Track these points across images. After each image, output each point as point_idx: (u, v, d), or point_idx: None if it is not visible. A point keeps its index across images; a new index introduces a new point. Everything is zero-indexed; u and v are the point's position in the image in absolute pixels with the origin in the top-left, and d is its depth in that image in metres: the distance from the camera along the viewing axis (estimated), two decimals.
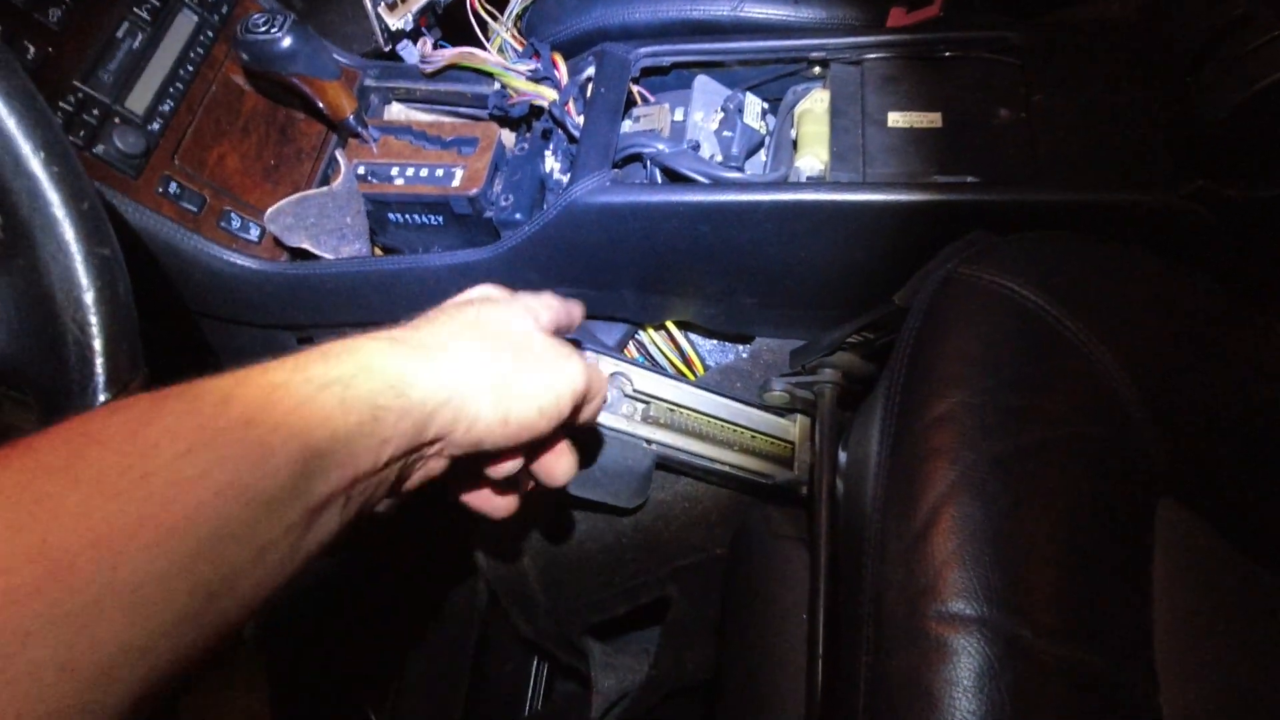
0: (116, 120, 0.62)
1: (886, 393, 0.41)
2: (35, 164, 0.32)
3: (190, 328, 0.76)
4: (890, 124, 0.64)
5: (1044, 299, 0.42)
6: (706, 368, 0.78)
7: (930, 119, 0.63)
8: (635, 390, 0.59)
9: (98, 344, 0.33)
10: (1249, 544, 0.48)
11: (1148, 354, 0.43)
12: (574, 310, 0.47)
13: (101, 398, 0.33)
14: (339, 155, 0.72)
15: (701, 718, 0.74)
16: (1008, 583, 0.34)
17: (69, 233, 0.32)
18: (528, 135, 0.79)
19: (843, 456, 0.56)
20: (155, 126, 0.65)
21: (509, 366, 0.36)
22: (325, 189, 0.67)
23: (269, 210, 0.65)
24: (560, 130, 0.75)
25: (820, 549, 0.51)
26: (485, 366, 0.35)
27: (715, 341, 0.80)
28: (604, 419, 0.58)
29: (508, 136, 0.81)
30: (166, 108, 0.66)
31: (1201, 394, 0.46)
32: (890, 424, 0.40)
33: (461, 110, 0.82)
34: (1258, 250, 0.54)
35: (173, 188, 0.66)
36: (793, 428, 0.65)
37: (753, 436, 0.64)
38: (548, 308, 0.44)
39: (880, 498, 0.38)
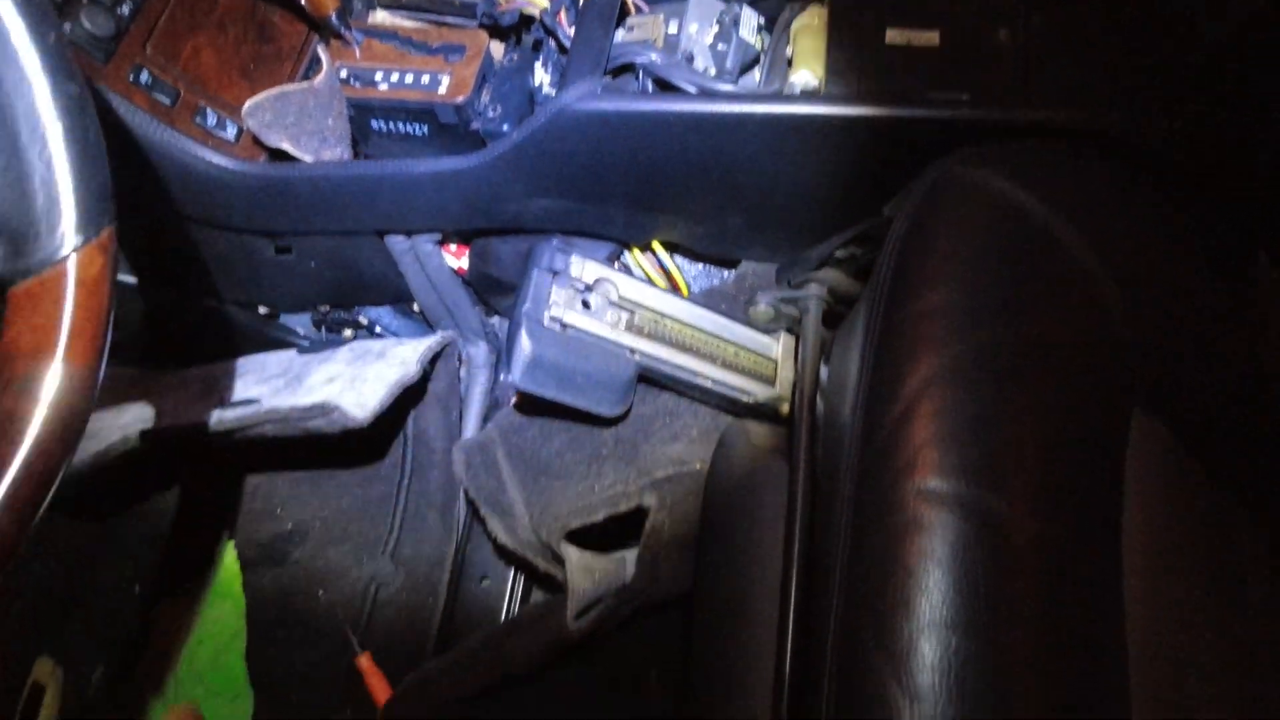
0: (84, 0, 0.60)
1: (874, 286, 0.41)
2: None
3: (163, 230, 0.74)
4: (888, 41, 0.62)
5: (1036, 201, 0.41)
6: (691, 292, 0.78)
7: (928, 37, 0.62)
8: (620, 298, 0.59)
9: (66, 184, 0.31)
10: (1216, 467, 0.49)
11: (1136, 268, 0.43)
12: None
13: (72, 241, 0.32)
14: (321, 51, 0.70)
15: (677, 633, 0.76)
16: (986, 462, 0.34)
17: (34, 64, 0.31)
18: (517, 46, 0.77)
19: (824, 372, 0.57)
20: (125, 10, 0.62)
21: None
22: (306, 84, 0.65)
23: (247, 103, 0.63)
24: (551, 40, 0.73)
25: (799, 457, 0.52)
26: None
27: (701, 266, 0.80)
28: (588, 325, 0.58)
29: (496, 48, 0.79)
30: None
31: (1184, 318, 0.47)
32: (877, 316, 0.40)
33: (448, 19, 0.79)
34: (1246, 181, 0.54)
35: (144, 77, 0.63)
36: (776, 346, 0.65)
37: (736, 352, 0.64)
38: None
39: (864, 386, 0.38)
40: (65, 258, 0.32)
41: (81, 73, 0.33)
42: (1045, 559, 0.34)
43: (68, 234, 0.32)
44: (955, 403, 0.35)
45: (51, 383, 0.31)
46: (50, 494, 0.32)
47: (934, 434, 0.35)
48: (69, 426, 0.32)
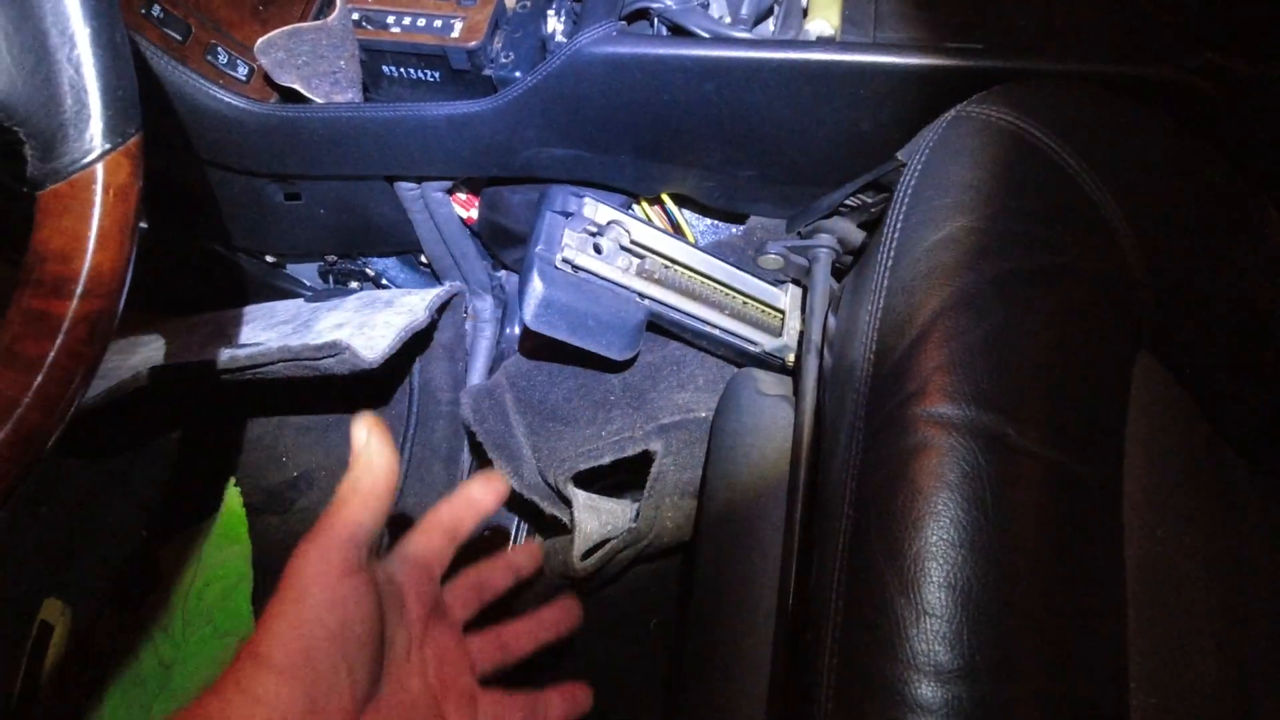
0: None
1: (889, 221, 0.41)
2: None
3: (172, 171, 0.74)
4: None
5: (1052, 138, 0.42)
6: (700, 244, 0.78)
7: None
8: (632, 242, 0.59)
9: (95, 87, 0.32)
10: (1217, 418, 0.50)
11: (1152, 210, 0.44)
12: (478, 499, 0.45)
13: (101, 146, 0.32)
14: None
15: (677, 582, 0.77)
16: (996, 388, 0.35)
17: None
18: None
19: (832, 323, 0.57)
20: None
21: None
22: (319, 23, 0.65)
23: (260, 41, 0.63)
24: None
25: (807, 400, 0.52)
26: None
27: (710, 222, 0.80)
28: (599, 268, 0.58)
29: None
30: None
31: (1197, 265, 0.47)
32: (890, 247, 0.40)
33: None
34: (1262, 129, 0.55)
35: (156, 10, 0.63)
36: (784, 296, 0.66)
37: (744, 302, 0.64)
38: (438, 559, 0.43)
39: (877, 313, 0.39)
40: (94, 162, 0.32)
41: None
42: (1051, 485, 0.35)
43: (96, 138, 0.32)
44: (967, 330, 0.36)
45: (80, 284, 0.32)
46: (81, 394, 0.32)
47: (946, 360, 0.35)
48: (97, 328, 0.32)
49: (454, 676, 0.42)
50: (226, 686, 0.33)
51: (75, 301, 0.31)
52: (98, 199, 0.32)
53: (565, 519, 0.65)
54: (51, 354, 0.31)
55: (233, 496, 0.87)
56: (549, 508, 0.65)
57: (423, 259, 0.89)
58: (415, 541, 0.44)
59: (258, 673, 0.34)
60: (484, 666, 0.45)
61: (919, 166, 0.42)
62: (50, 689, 0.78)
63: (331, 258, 0.90)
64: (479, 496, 0.46)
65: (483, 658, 0.45)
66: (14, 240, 0.68)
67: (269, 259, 0.89)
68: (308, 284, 0.93)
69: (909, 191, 0.41)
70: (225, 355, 0.69)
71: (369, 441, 0.40)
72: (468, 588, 0.47)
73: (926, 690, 0.32)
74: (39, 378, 0.30)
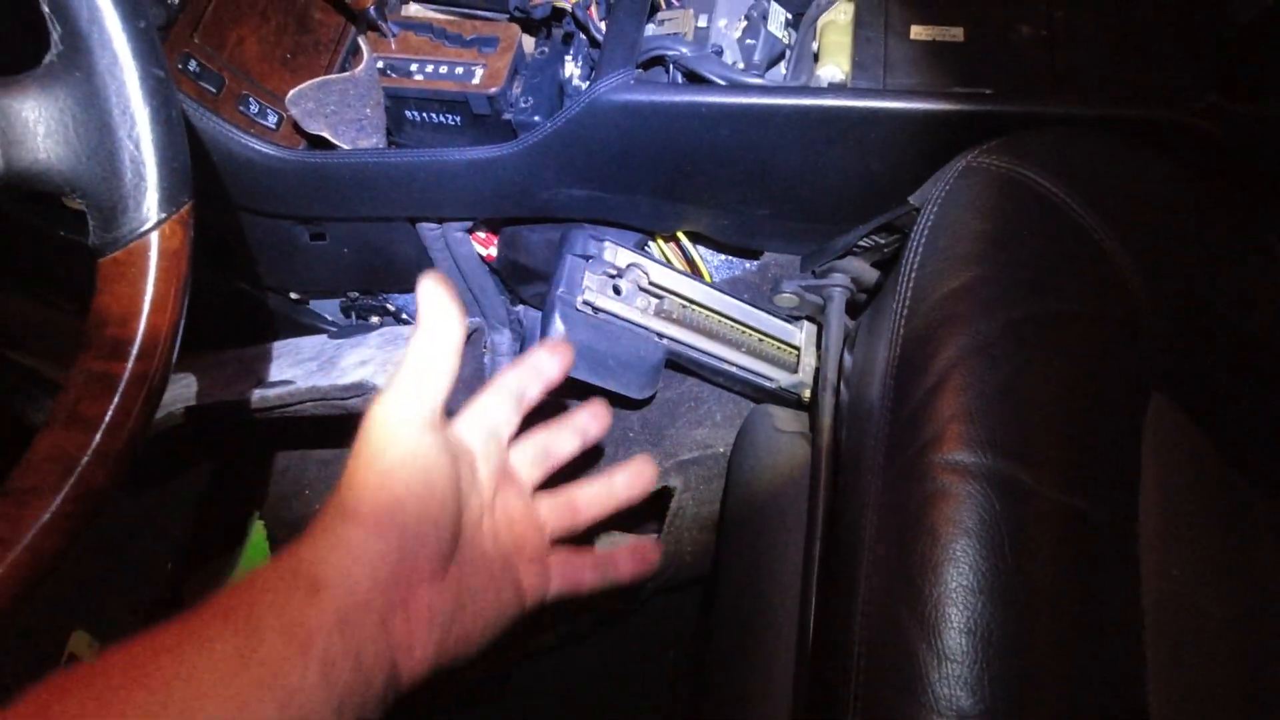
0: None
1: (903, 270, 0.43)
2: None
3: (206, 216, 0.76)
4: (913, 36, 0.64)
5: (1061, 188, 0.43)
6: (715, 281, 0.79)
7: (953, 33, 0.64)
8: (650, 284, 0.60)
9: (153, 161, 0.34)
10: (1231, 452, 0.51)
11: (1159, 253, 0.45)
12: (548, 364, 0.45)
13: (157, 216, 0.34)
14: (361, 41, 0.72)
15: (695, 615, 0.78)
16: (1011, 435, 0.36)
17: (126, 48, 0.33)
18: (548, 40, 0.79)
19: (848, 360, 0.58)
20: (175, 0, 0.64)
21: (445, 595, 0.35)
22: (348, 74, 0.67)
23: (291, 92, 0.65)
24: (582, 34, 0.75)
25: (824, 437, 0.54)
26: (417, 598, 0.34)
27: (724, 257, 0.82)
28: (619, 309, 0.60)
29: (528, 41, 0.81)
30: None
31: (1206, 304, 0.48)
32: (905, 296, 0.41)
33: (481, 13, 0.81)
34: (1266, 170, 0.56)
35: (192, 65, 0.65)
36: (799, 333, 0.67)
37: (760, 339, 0.65)
38: (506, 423, 0.43)
39: (894, 361, 0.40)
40: (149, 230, 0.34)
41: (165, 57, 0.35)
42: (1067, 530, 0.36)
43: (152, 209, 0.34)
44: (982, 378, 0.37)
45: (135, 345, 0.34)
46: (136, 449, 0.34)
47: (961, 408, 0.37)
48: (151, 386, 0.34)
49: (525, 537, 0.43)
50: (317, 538, 0.34)
51: (131, 363, 0.33)
52: (152, 265, 0.34)
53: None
54: (109, 413, 0.32)
55: (257, 530, 0.89)
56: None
57: None
58: (482, 406, 0.44)
59: (347, 527, 0.34)
60: (554, 529, 0.45)
61: (931, 217, 0.43)
62: None
63: (354, 294, 0.92)
64: (545, 366, 0.46)
65: (553, 520, 0.45)
66: (55, 284, 0.70)
67: (294, 296, 0.91)
68: (330, 319, 0.95)
69: (922, 241, 0.43)
70: (256, 395, 0.71)
71: (435, 301, 0.40)
72: (535, 451, 0.47)
73: None
74: (98, 436, 0.32)
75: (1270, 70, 0.52)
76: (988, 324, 0.38)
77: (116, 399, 0.33)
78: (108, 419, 0.32)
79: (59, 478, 0.31)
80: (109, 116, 0.33)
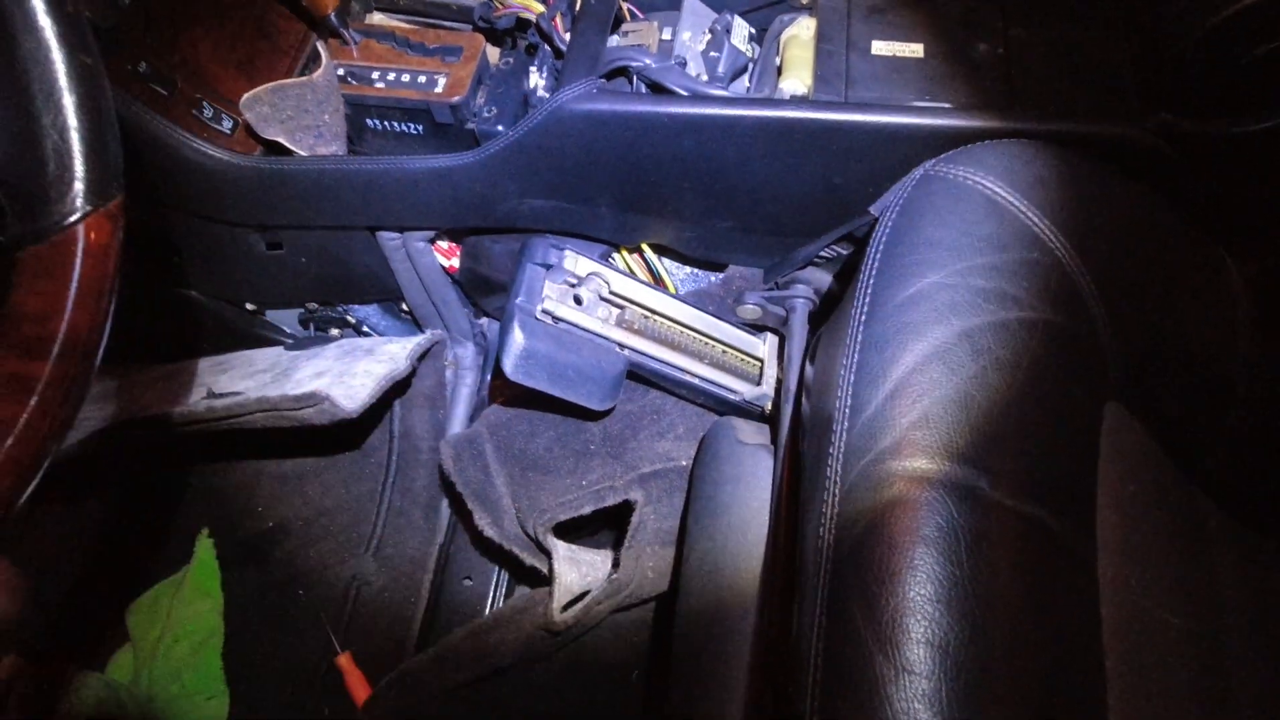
0: None
1: (861, 277, 0.42)
2: None
3: (153, 221, 0.74)
4: (874, 52, 0.65)
5: (1017, 198, 0.43)
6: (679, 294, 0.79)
7: (912, 49, 0.64)
8: (612, 293, 0.60)
9: (78, 152, 0.32)
10: (1183, 458, 0.51)
11: (1112, 262, 0.45)
12: None
13: (82, 209, 0.32)
14: (320, 47, 0.71)
15: (657, 633, 0.76)
16: (968, 442, 0.36)
17: (51, 32, 0.31)
18: (513, 50, 0.78)
19: (809, 371, 0.58)
20: (125, 0, 0.63)
21: None
22: (305, 79, 0.66)
23: (245, 95, 0.64)
24: (546, 45, 0.74)
25: (783, 448, 0.53)
26: None
27: (689, 270, 0.81)
28: (579, 319, 0.59)
29: (492, 53, 0.80)
30: None
31: (1156, 315, 0.49)
32: (864, 303, 0.41)
33: (445, 23, 0.81)
34: (1212, 185, 0.57)
35: (143, 67, 0.64)
36: (762, 345, 0.67)
37: (723, 351, 0.65)
38: None
39: (852, 369, 0.39)
40: (74, 224, 0.32)
41: (96, 45, 0.33)
42: (1026, 539, 0.36)
43: (77, 200, 0.32)
44: (940, 385, 0.37)
45: (56, 345, 0.32)
46: (49, 457, 0.32)
47: (920, 416, 0.36)
48: (71, 391, 0.32)
49: None
50: None
51: (51, 363, 0.31)
52: (78, 260, 0.32)
53: (544, 570, 0.64)
54: (24, 417, 0.30)
55: (205, 548, 0.85)
56: (529, 559, 0.64)
57: (404, 306, 0.90)
58: None
59: None
60: None
61: (890, 224, 0.43)
62: None
63: (313, 305, 0.90)
64: None
65: None
66: None
67: (250, 307, 0.89)
68: (288, 331, 0.93)
69: (880, 248, 0.43)
70: (202, 406, 0.68)
71: None
72: None
73: None
74: (8, 440, 0.30)
75: (1214, 88, 0.53)
76: (944, 330, 0.38)
77: (33, 401, 0.31)
78: (22, 423, 0.30)
79: None
80: (32, 102, 0.31)
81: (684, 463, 0.65)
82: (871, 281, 0.42)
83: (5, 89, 0.31)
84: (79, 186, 0.32)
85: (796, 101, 0.63)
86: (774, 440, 0.60)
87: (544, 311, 0.59)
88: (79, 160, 0.32)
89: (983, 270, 0.40)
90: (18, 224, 0.32)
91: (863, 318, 0.41)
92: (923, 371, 0.37)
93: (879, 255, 0.42)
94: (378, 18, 0.81)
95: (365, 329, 0.92)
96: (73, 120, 0.32)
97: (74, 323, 0.32)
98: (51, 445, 0.31)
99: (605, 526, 0.67)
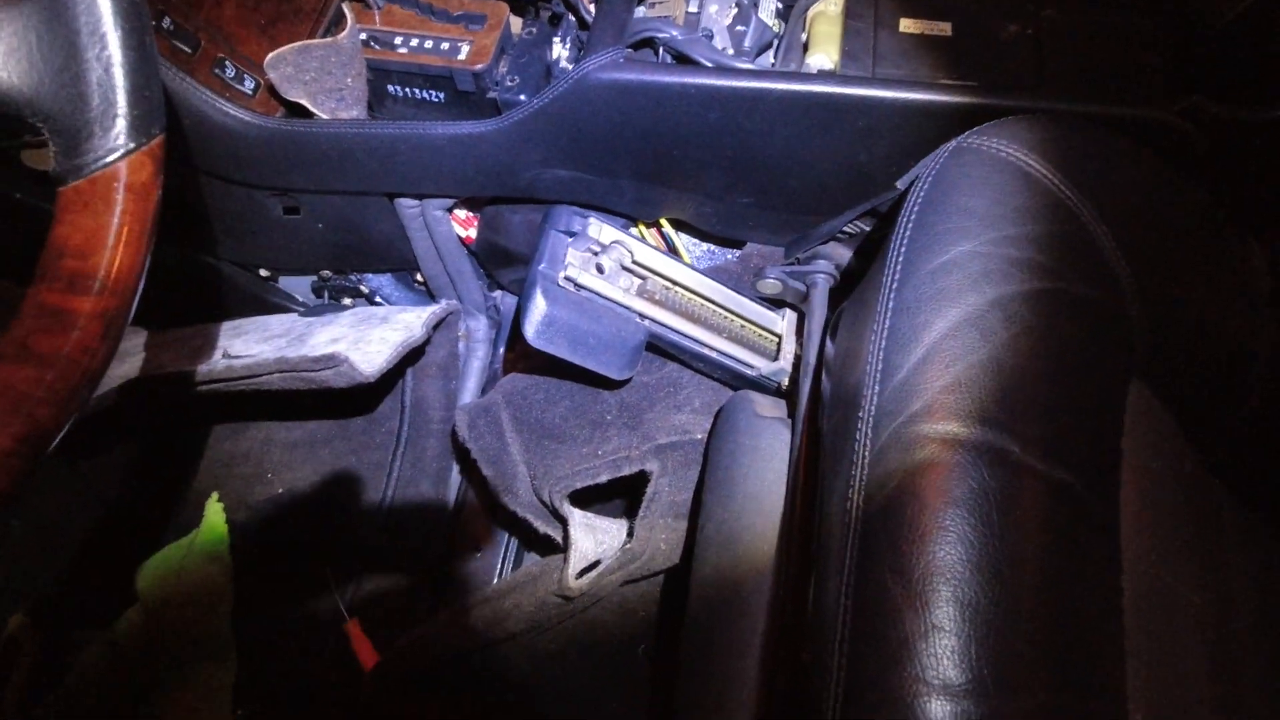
0: None
1: (892, 245, 0.42)
2: None
3: (173, 180, 0.74)
4: (901, 29, 0.65)
5: (1051, 171, 0.43)
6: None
7: (940, 28, 0.64)
8: (634, 263, 0.60)
9: (122, 86, 0.32)
10: (1201, 446, 0.52)
11: (1142, 240, 0.45)
12: None
13: (125, 146, 0.32)
14: (345, 9, 0.70)
15: (668, 607, 0.76)
16: (1000, 407, 0.36)
17: None
18: (536, 20, 0.78)
19: (829, 346, 0.58)
20: None
21: None
22: (329, 40, 0.66)
23: (270, 55, 0.64)
24: (571, 15, 0.74)
25: (803, 422, 0.53)
26: None
27: (707, 246, 0.81)
28: (601, 288, 0.59)
29: (515, 22, 0.80)
30: None
31: (1183, 295, 0.49)
32: (895, 270, 0.41)
33: None
34: (1240, 170, 0.57)
35: (166, 23, 0.63)
36: (781, 321, 0.67)
37: (742, 325, 0.65)
38: None
39: (883, 333, 0.39)
40: (118, 160, 0.32)
41: None
42: (1054, 502, 0.36)
43: (121, 137, 0.32)
44: (971, 350, 0.37)
45: (97, 280, 0.32)
46: (90, 392, 0.32)
47: (952, 380, 0.36)
48: (112, 325, 0.32)
49: None
50: None
51: (92, 298, 0.31)
52: (120, 197, 0.32)
53: (558, 538, 0.64)
54: (66, 350, 0.30)
55: (215, 512, 0.85)
56: (542, 526, 0.65)
57: (418, 277, 0.89)
58: None
59: None
60: None
61: (922, 192, 0.43)
62: (14, 710, 0.75)
63: (326, 273, 0.90)
64: None
65: None
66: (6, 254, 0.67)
67: (262, 273, 0.88)
68: (300, 299, 0.93)
69: (913, 216, 0.43)
70: (221, 365, 0.68)
71: None
72: None
73: (936, 706, 0.32)
74: (51, 373, 0.30)
75: (1245, 73, 0.53)
76: (977, 298, 0.38)
77: (75, 334, 0.31)
78: (64, 356, 0.30)
79: (4, 414, 0.29)
80: (77, 36, 0.31)
81: (699, 436, 0.65)
82: (904, 248, 0.42)
83: (51, 23, 0.31)
84: (122, 123, 0.32)
85: (824, 76, 0.62)
86: (791, 414, 0.60)
87: (566, 278, 0.59)
88: (123, 95, 0.32)
89: (1015, 240, 0.40)
90: (62, 160, 0.32)
91: (894, 284, 0.41)
92: (955, 337, 0.37)
93: (911, 223, 0.42)
94: None
95: (378, 299, 0.92)
96: (118, 55, 0.32)
97: (115, 260, 0.32)
98: (90, 382, 0.31)
99: (616, 498, 0.67)
